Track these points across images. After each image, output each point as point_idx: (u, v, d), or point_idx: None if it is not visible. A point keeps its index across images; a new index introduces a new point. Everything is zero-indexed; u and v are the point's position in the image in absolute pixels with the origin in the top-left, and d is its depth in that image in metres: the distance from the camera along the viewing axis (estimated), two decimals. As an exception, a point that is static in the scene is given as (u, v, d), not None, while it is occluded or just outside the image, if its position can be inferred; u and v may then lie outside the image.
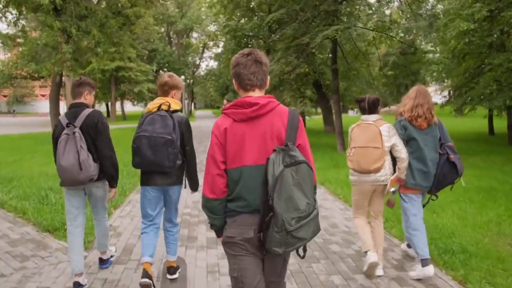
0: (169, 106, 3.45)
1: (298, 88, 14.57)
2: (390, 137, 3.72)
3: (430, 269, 3.64)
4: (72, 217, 3.58)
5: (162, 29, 51.12)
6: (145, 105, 58.64)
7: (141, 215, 3.67)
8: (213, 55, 51.49)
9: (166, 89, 3.60)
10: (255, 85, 2.17)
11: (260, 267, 2.20)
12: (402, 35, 14.75)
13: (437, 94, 28.46)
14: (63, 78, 16.90)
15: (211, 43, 51.45)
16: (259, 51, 2.21)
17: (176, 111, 3.50)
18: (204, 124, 30.11)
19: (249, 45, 18.33)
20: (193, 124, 31.81)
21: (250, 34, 16.80)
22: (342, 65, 14.07)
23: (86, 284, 3.56)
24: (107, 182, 3.62)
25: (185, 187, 3.71)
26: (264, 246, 2.06)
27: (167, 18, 47.04)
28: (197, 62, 55.61)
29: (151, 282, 3.34)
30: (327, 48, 16.05)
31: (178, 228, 3.87)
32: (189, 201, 6.85)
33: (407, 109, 3.81)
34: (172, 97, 3.59)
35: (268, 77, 2.25)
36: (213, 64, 59.30)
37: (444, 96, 24.69)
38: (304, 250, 2.13)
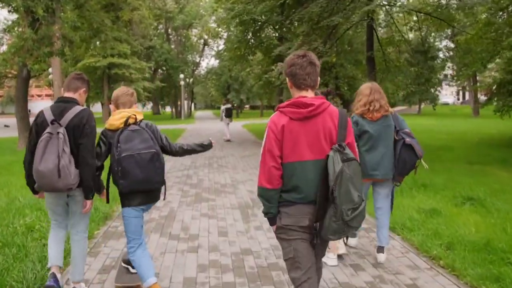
0: (136, 118, 3.20)
1: (325, 83, 11.83)
2: None
3: (383, 256, 4.08)
4: (54, 219, 3.35)
5: (160, 26, 48.54)
6: (144, 105, 57.22)
7: (130, 238, 3.25)
8: (214, 53, 49.23)
9: (124, 101, 3.34)
10: (309, 86, 2.36)
11: (312, 252, 2.42)
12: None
13: (446, 95, 25.80)
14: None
15: (211, 41, 49.13)
16: (312, 53, 2.41)
17: (141, 121, 3.30)
18: (204, 127, 27.08)
19: (258, 34, 15.53)
20: (192, 127, 30.07)
21: (261, 18, 13.93)
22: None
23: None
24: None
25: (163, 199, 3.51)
26: (319, 234, 2.33)
27: (165, 13, 44.35)
28: (197, 60, 52.85)
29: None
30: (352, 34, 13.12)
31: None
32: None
33: (361, 104, 4.02)
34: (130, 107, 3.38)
35: (319, 78, 2.42)
36: (214, 62, 56.84)
37: (456, 97, 22.17)
38: (347, 238, 2.84)
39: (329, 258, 3.94)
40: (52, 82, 27.50)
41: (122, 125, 3.12)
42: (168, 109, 58.35)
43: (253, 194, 6.81)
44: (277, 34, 15.12)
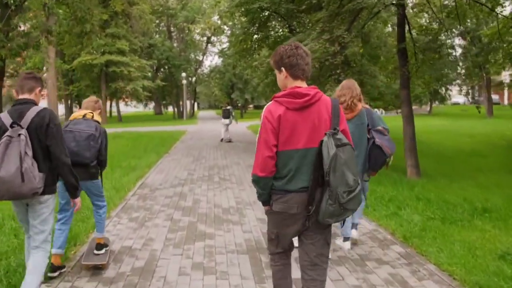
0: (93, 115, 3.89)
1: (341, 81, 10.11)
2: None
3: (348, 245, 4.48)
4: (25, 230, 3.21)
5: (162, 24, 46.84)
6: (145, 105, 55.60)
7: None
8: (217, 51, 47.49)
9: (87, 106, 4.09)
10: (306, 76, 2.45)
11: (294, 235, 2.52)
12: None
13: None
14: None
15: (214, 39, 47.36)
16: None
17: (98, 122, 3.90)
18: (206, 128, 25.26)
19: (268, 24, 13.74)
20: (193, 128, 28.13)
21: (268, 6, 12.10)
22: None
23: None
24: (54, 200, 3.09)
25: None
26: (316, 218, 2.38)
27: (167, 10, 42.63)
28: (200, 58, 51.10)
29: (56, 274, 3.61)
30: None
31: (105, 209, 4.19)
32: None
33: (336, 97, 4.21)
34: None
35: None
36: (217, 61, 55.17)
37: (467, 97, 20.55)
38: (343, 221, 2.53)
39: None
40: (45, 83, 25.95)
41: (81, 117, 3.85)
42: (170, 109, 56.67)
43: (264, 225, 5.04)
44: (287, 25, 13.28)
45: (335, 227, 4.60)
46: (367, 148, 4.19)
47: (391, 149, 4.16)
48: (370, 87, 12.41)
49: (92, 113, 3.94)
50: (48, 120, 2.91)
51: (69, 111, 37.06)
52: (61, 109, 43.91)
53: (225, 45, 43.58)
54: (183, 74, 40.45)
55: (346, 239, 4.48)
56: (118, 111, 38.94)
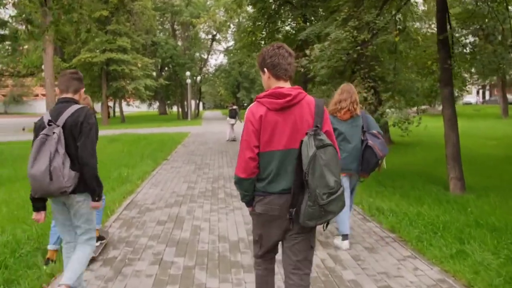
0: None
1: (370, 76, 8.44)
2: None
3: (346, 244, 4.45)
4: (60, 231, 3.21)
5: (166, 22, 45.53)
6: (150, 105, 54.26)
7: None
8: (223, 49, 46.13)
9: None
10: (289, 76, 2.42)
11: (277, 237, 2.48)
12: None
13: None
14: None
15: (219, 36, 45.96)
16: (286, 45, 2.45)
17: None
18: (211, 130, 23.77)
19: (278, 15, 12.24)
20: (197, 130, 26.23)
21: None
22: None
23: None
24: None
25: None
26: (297, 221, 2.32)
27: (171, 7, 41.31)
28: (205, 57, 49.69)
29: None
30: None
31: (103, 202, 4.15)
32: None
33: (332, 103, 4.43)
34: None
35: None
36: (223, 60, 53.84)
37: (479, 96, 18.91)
38: (327, 224, 2.40)
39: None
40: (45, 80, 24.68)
41: None
42: (175, 109, 55.42)
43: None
44: (300, 14, 11.78)
45: (333, 223, 4.59)
46: (360, 149, 4.37)
47: (383, 151, 4.32)
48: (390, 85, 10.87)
49: None
50: (82, 118, 2.89)
51: (70, 111, 35.85)
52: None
53: (231, 43, 42.58)
54: (188, 73, 39.07)
55: (344, 237, 4.48)
56: (121, 111, 37.56)
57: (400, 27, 7.25)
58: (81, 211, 2.97)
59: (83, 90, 3.15)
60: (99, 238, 4.16)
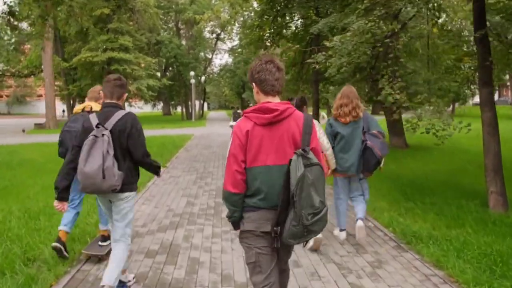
0: (91, 108, 4.02)
1: (400, 75, 7.40)
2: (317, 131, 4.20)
3: (344, 235, 4.87)
4: (110, 219, 3.46)
5: (170, 21, 44.62)
6: (154, 106, 53.32)
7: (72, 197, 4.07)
8: (228, 49, 45.16)
9: (90, 96, 4.25)
10: (277, 91, 2.40)
11: (274, 256, 2.44)
12: None
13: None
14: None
15: (225, 36, 44.94)
16: (277, 59, 2.45)
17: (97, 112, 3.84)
18: (215, 131, 22.75)
19: (288, 7, 11.18)
20: (200, 132, 24.11)
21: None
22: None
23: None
24: (134, 197, 3.41)
25: None
26: (279, 238, 2.30)
27: (175, 6, 40.38)
28: (209, 56, 48.72)
29: (61, 247, 4.00)
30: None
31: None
32: None
33: (334, 108, 4.61)
34: (97, 101, 4.13)
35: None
36: (228, 59, 52.93)
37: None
38: (306, 242, 2.43)
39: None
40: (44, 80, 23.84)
41: (80, 111, 4.12)
42: (180, 109, 54.50)
43: None
44: (313, 7, 10.72)
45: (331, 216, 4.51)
46: (360, 150, 4.50)
47: (382, 151, 4.42)
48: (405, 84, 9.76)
49: (91, 105, 4.06)
50: (130, 125, 3.16)
51: (71, 111, 35.08)
52: (58, 109, 42.07)
53: (236, 42, 41.56)
54: (192, 73, 38.12)
55: (342, 230, 4.90)
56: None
57: (435, 16, 6.18)
58: (121, 207, 3.25)
59: (125, 95, 3.40)
60: (109, 237, 4.16)
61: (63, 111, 45.00)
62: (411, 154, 12.68)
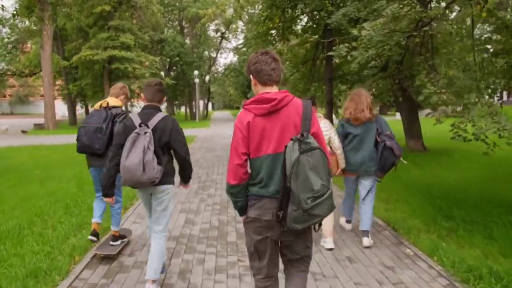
0: (108, 103, 4.25)
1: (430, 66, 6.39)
2: (328, 130, 4.49)
3: (349, 226, 5.20)
4: (148, 214, 3.71)
5: (174, 20, 43.70)
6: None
7: (96, 189, 4.37)
8: (232, 47, 44.22)
9: (112, 93, 4.46)
10: (274, 81, 2.42)
11: (276, 246, 2.48)
12: None
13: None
14: None
15: (228, 32, 43.94)
16: (272, 51, 2.49)
17: (115, 107, 4.26)
18: (220, 132, 21.76)
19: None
20: (204, 133, 22.32)
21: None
22: None
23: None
24: (173, 190, 3.61)
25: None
26: (285, 224, 2.30)
27: (179, 3, 39.43)
28: (214, 55, 47.77)
29: (96, 239, 4.26)
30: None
31: (120, 204, 4.50)
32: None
33: (346, 110, 4.66)
34: (117, 97, 4.39)
35: (282, 72, 2.47)
36: (232, 58, 52.01)
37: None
38: (319, 225, 2.42)
39: (326, 242, 4.57)
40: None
41: (98, 107, 4.29)
42: (183, 109, 53.58)
43: None
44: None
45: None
46: (375, 149, 4.58)
47: (400, 151, 4.50)
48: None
49: (107, 101, 4.28)
50: (171, 126, 3.43)
51: (72, 111, 34.16)
52: (61, 109, 41.23)
53: (241, 41, 40.56)
54: (196, 72, 37.13)
55: (348, 221, 5.23)
56: (127, 112, 35.64)
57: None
58: (162, 198, 3.50)
59: (165, 98, 3.90)
60: (120, 237, 4.47)
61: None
62: (432, 159, 11.61)
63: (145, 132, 3.26)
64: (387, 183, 8.22)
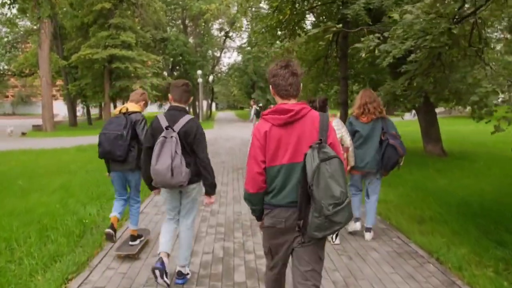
0: (127, 109, 4.36)
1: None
2: (339, 129, 4.61)
3: (358, 225, 5.06)
4: (168, 214, 3.89)
5: (177, 18, 42.82)
6: (160, 106, 51.61)
7: (116, 193, 4.54)
8: (236, 46, 43.30)
9: (132, 99, 4.58)
10: (291, 95, 2.48)
11: (286, 249, 2.51)
12: None
13: None
14: None
15: (232, 31, 43.00)
16: (295, 62, 2.49)
17: (134, 112, 4.37)
18: (224, 135, 20.72)
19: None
20: (208, 136, 22.79)
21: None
22: None
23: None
24: (201, 185, 3.73)
25: None
26: (305, 232, 2.35)
27: (182, 1, 38.55)
28: (218, 55, 46.80)
29: (113, 232, 4.28)
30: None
31: (139, 204, 4.68)
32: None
33: (356, 107, 4.78)
34: (137, 103, 4.52)
35: (301, 85, 2.52)
36: (236, 57, 51.10)
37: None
38: (336, 236, 2.68)
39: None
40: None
41: (118, 113, 4.40)
42: (187, 109, 52.65)
43: None
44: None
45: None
46: (379, 148, 4.70)
47: (403, 150, 4.62)
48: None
49: (127, 107, 4.39)
50: (195, 129, 3.53)
51: (72, 112, 33.28)
52: (62, 110, 40.39)
53: (245, 40, 39.58)
54: (199, 72, 36.20)
55: (356, 219, 5.05)
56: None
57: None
58: (190, 193, 3.71)
59: (191, 99, 3.88)
60: (138, 236, 4.60)
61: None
62: (454, 165, 10.56)
63: (171, 136, 3.40)
64: (414, 196, 7.22)
